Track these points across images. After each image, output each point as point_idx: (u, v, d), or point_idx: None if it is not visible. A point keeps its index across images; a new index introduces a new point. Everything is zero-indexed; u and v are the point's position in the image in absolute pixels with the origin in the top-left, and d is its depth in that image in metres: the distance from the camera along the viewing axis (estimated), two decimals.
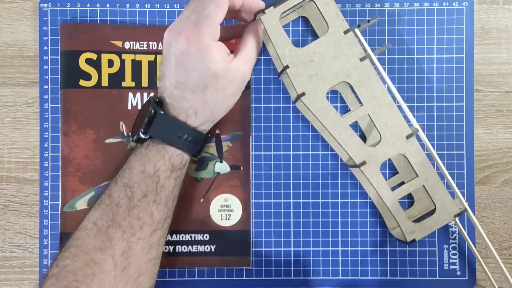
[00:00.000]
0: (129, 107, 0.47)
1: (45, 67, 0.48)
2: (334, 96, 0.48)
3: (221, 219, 0.47)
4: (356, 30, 0.41)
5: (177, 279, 0.47)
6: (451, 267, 0.47)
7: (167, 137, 0.39)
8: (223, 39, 0.40)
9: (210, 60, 0.38)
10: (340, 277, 0.47)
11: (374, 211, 0.48)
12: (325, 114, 0.42)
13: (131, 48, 0.47)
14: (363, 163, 0.42)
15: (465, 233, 0.44)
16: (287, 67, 0.42)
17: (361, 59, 0.41)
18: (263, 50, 0.48)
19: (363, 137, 0.47)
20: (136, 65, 0.47)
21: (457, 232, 0.47)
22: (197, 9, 0.38)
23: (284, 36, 0.42)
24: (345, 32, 0.42)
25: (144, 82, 0.47)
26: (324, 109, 0.42)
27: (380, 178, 0.42)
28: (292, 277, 0.47)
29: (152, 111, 0.39)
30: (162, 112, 0.39)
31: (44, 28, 0.48)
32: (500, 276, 0.47)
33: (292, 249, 0.47)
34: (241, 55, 0.40)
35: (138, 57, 0.47)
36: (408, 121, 0.42)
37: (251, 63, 0.41)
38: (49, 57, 0.48)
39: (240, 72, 0.40)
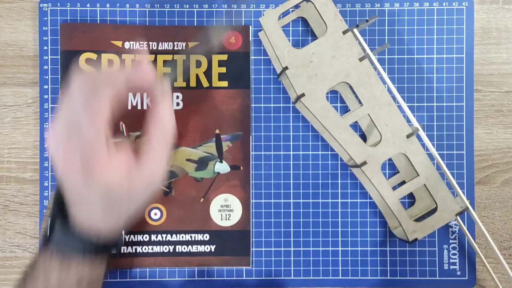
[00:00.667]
0: (129, 107, 0.47)
1: (45, 67, 0.48)
2: (334, 96, 0.48)
3: (221, 219, 0.47)
4: (355, 30, 0.41)
5: (177, 279, 0.47)
6: (451, 267, 0.47)
7: (70, 249, 0.35)
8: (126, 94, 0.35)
9: (109, 188, 0.33)
10: (340, 277, 0.47)
11: (374, 211, 0.48)
12: (325, 114, 0.42)
13: (131, 48, 0.47)
14: (364, 163, 0.42)
15: (466, 230, 0.44)
16: (286, 68, 0.42)
17: (360, 59, 0.41)
18: (262, 50, 0.48)
19: (364, 137, 0.47)
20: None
21: (457, 232, 0.47)
22: (74, 129, 0.32)
23: (283, 37, 0.42)
24: (344, 32, 0.42)
25: None
26: (324, 109, 0.42)
27: (381, 178, 0.42)
28: (292, 277, 0.47)
29: (52, 222, 0.36)
30: (64, 224, 0.35)
31: (44, 28, 0.48)
32: (500, 276, 0.47)
33: (292, 249, 0.47)
34: (147, 167, 0.34)
35: (138, 57, 0.47)
36: (408, 120, 0.42)
37: (161, 170, 0.35)
38: (49, 57, 0.48)
39: (149, 184, 0.35)
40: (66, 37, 0.47)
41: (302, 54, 0.42)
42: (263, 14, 0.42)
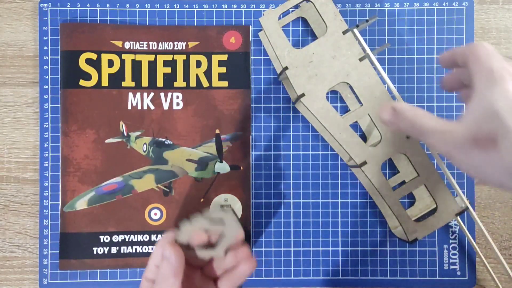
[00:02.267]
0: (129, 107, 0.47)
1: (45, 67, 0.48)
2: (334, 96, 0.48)
3: None
4: (355, 30, 0.41)
5: None
6: (451, 267, 0.47)
7: None
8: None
9: None
10: (340, 277, 0.47)
11: (374, 211, 0.48)
12: (325, 114, 0.42)
13: (131, 48, 0.47)
14: (364, 163, 0.42)
15: (466, 230, 0.44)
16: (286, 68, 0.42)
17: (360, 59, 0.41)
18: (262, 50, 0.48)
19: (364, 137, 0.47)
20: (136, 65, 0.47)
21: (457, 232, 0.47)
22: None
23: (283, 37, 0.42)
24: (344, 32, 0.42)
25: (144, 82, 0.47)
26: (324, 109, 0.42)
27: (381, 178, 0.42)
28: (292, 277, 0.47)
29: None
30: None
31: (44, 28, 0.48)
32: (500, 276, 0.47)
33: (292, 249, 0.47)
34: None
35: (138, 57, 0.47)
36: None
37: None
38: (49, 57, 0.48)
39: None
40: (66, 37, 0.47)
41: (302, 54, 0.42)
42: (263, 14, 0.42)
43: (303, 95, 0.42)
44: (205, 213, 0.39)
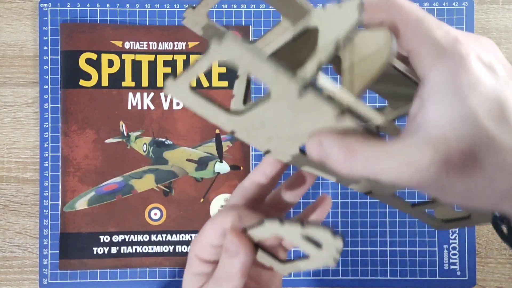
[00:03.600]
0: (129, 107, 0.47)
1: (45, 67, 0.48)
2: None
3: None
4: (320, 77, 0.22)
5: (177, 279, 0.47)
6: (451, 267, 0.47)
7: None
8: None
9: None
10: (340, 277, 0.47)
11: (374, 211, 0.48)
12: (305, 162, 0.28)
13: (131, 48, 0.47)
14: (370, 192, 0.31)
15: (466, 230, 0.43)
16: (233, 132, 0.26)
17: (338, 117, 0.23)
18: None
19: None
20: (136, 65, 0.47)
21: (457, 232, 0.47)
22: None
23: (209, 107, 0.26)
24: (301, 91, 0.21)
25: (144, 82, 0.47)
26: (301, 159, 0.28)
27: (397, 201, 0.32)
28: (292, 277, 0.47)
29: None
30: None
31: (44, 28, 0.48)
32: (500, 276, 0.47)
33: (292, 249, 0.47)
34: None
35: (138, 57, 0.47)
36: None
37: None
38: (49, 57, 0.48)
39: None
40: (66, 37, 0.47)
41: (246, 119, 0.25)
42: (166, 85, 0.24)
43: (268, 151, 0.28)
44: (308, 222, 0.27)
